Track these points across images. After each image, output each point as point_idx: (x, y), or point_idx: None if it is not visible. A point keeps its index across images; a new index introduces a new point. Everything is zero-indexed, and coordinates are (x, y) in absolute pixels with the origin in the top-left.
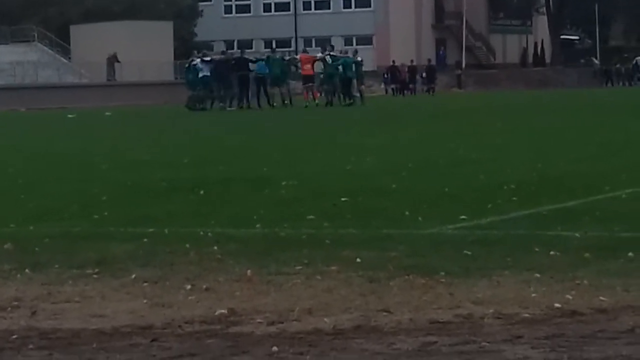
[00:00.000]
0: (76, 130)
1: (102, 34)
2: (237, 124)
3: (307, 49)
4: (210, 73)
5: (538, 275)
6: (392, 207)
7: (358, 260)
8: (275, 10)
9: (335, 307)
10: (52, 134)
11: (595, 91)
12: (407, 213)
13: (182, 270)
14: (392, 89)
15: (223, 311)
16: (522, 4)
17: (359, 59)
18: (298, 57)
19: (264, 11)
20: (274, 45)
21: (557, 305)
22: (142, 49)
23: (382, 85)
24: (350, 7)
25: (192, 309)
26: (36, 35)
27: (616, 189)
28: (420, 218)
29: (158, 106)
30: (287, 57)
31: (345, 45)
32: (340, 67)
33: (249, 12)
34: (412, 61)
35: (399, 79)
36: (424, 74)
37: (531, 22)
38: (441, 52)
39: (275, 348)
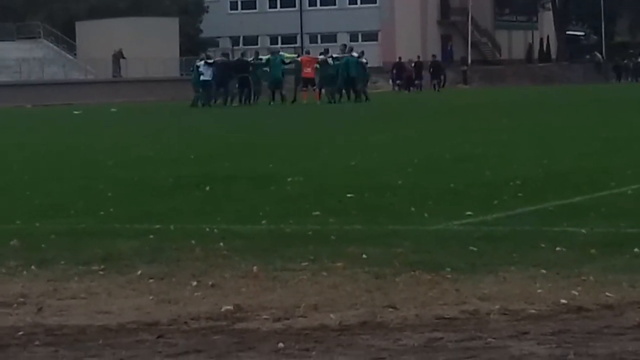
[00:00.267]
0: (82, 127)
1: (108, 30)
2: (242, 121)
3: (311, 45)
4: (212, 76)
5: (544, 271)
6: (397, 203)
7: (364, 256)
8: (281, 7)
9: (341, 303)
10: (58, 130)
11: (601, 87)
12: (412, 209)
13: (188, 267)
14: (398, 84)
15: (229, 307)
16: (528, 0)
17: (364, 60)
18: (299, 59)
19: (270, 7)
20: (279, 42)
21: (563, 301)
22: (148, 45)
23: (390, 82)
24: (356, 3)
25: (198, 305)
26: (42, 31)
27: (622, 185)
28: (426, 214)
29: (163, 102)
30: (288, 61)
31: (350, 41)
32: (341, 67)
33: (255, 8)
34: (418, 57)
35: (404, 75)
36: (431, 70)
37: (537, 18)
38: (449, 48)
39: (281, 344)
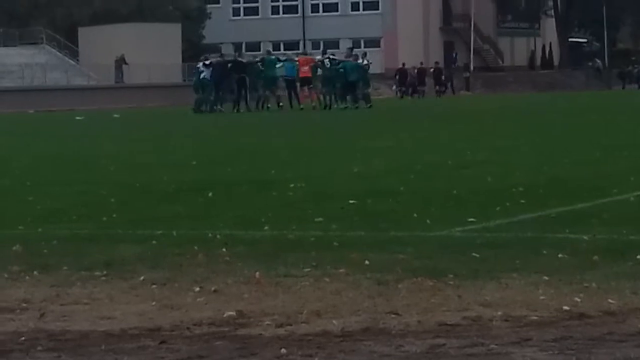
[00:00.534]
0: (84, 132)
1: (110, 36)
2: (244, 126)
3: (313, 51)
4: (210, 77)
5: (546, 277)
6: (400, 209)
7: (366, 262)
8: (284, 13)
9: (343, 309)
10: (60, 135)
11: (603, 93)
12: (415, 215)
13: (190, 272)
14: (401, 91)
15: (231, 313)
16: (530, 6)
17: (365, 62)
18: (296, 59)
19: (272, 13)
20: (281, 48)
21: (565, 307)
22: (150, 51)
23: (394, 87)
24: (358, 10)
25: (200, 311)
26: (44, 37)
27: (624, 191)
28: (428, 220)
29: (166, 108)
30: (282, 59)
31: (349, 47)
32: (340, 71)
33: (257, 14)
34: (421, 63)
35: (408, 81)
36: (434, 76)
37: (539, 25)
38: (454, 55)
39: (283, 350)
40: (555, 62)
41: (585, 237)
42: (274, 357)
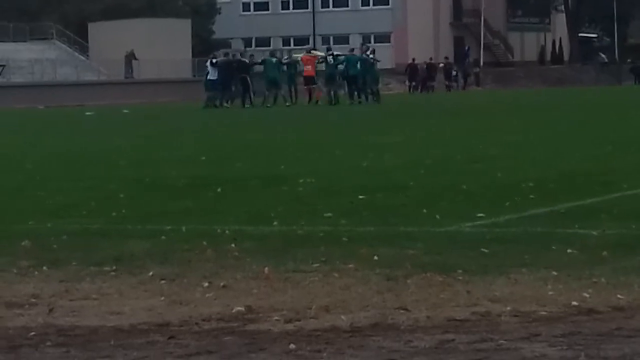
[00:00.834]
0: (94, 128)
1: (120, 31)
2: (253, 122)
3: (325, 46)
4: (217, 76)
5: (555, 273)
6: (409, 204)
7: (375, 257)
8: (294, 8)
9: (352, 304)
10: (70, 131)
11: (614, 89)
12: (424, 211)
13: (199, 268)
14: (412, 86)
15: (240, 308)
16: (541, 1)
17: (370, 56)
18: (299, 57)
19: (282, 9)
20: (291, 43)
21: (574, 303)
22: (160, 46)
23: (407, 83)
24: (368, 5)
25: (209, 306)
26: (54, 32)
27: (634, 186)
28: (437, 216)
29: (176, 103)
30: (285, 59)
31: (362, 42)
32: (342, 66)
33: (267, 9)
34: (430, 59)
35: (418, 76)
36: (453, 72)
37: (549, 20)
38: (467, 49)
39: (292, 345)
40: (566, 57)
41: (594, 233)
42: (283, 353)
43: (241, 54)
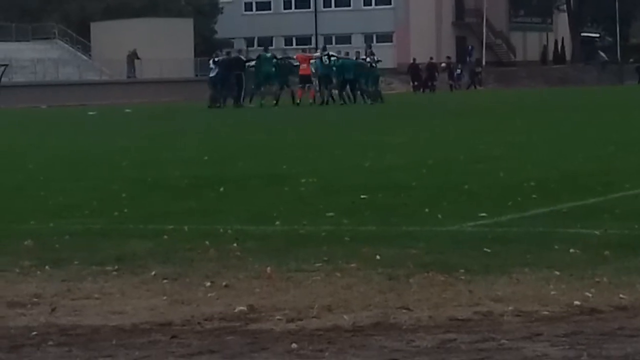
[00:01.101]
0: (96, 128)
1: (123, 31)
2: (256, 122)
3: (327, 46)
4: (217, 74)
5: (558, 272)
6: (411, 204)
7: (377, 257)
8: (296, 8)
9: (354, 304)
10: (73, 131)
11: (616, 88)
12: (426, 210)
13: (201, 267)
14: (415, 86)
15: (242, 308)
16: (543, 1)
17: (367, 59)
18: (294, 56)
19: (284, 8)
20: (294, 43)
21: (576, 302)
22: (163, 46)
23: (411, 83)
24: (371, 5)
25: (211, 305)
26: (57, 32)
27: (637, 186)
28: (439, 215)
29: (178, 103)
30: (279, 56)
31: (365, 42)
32: (335, 69)
33: (269, 9)
34: (431, 58)
35: (419, 76)
36: (457, 71)
37: (551, 20)
38: (470, 48)
39: (294, 345)
40: (568, 57)
41: (596, 232)
42: (285, 352)
43: (239, 52)
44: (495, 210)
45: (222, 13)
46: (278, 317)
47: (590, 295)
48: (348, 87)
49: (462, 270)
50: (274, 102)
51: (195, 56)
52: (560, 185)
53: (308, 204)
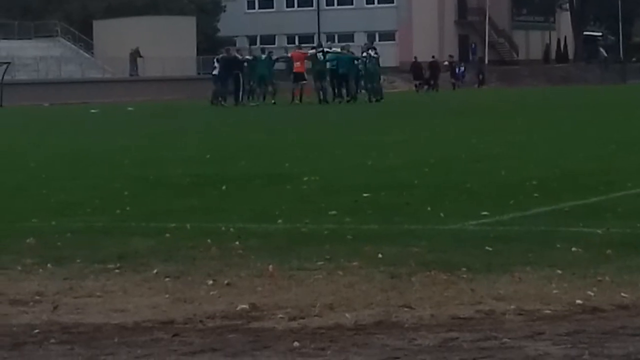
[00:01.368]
0: (98, 126)
1: (125, 29)
2: (258, 121)
3: (327, 44)
4: (219, 72)
5: (559, 271)
6: (413, 202)
7: (380, 255)
8: (298, 6)
9: (356, 302)
10: (75, 129)
11: (618, 88)
12: (428, 209)
13: (203, 266)
14: (417, 84)
15: (244, 306)
16: (545, 0)
17: (364, 54)
18: (289, 54)
19: (287, 7)
20: (296, 41)
21: (578, 301)
22: (165, 44)
23: (418, 81)
24: (373, 3)
25: (213, 304)
26: (59, 30)
27: (638, 185)
28: (441, 214)
29: (181, 101)
30: (274, 56)
31: (367, 40)
32: (330, 64)
33: (272, 7)
34: (433, 57)
35: (421, 75)
36: (461, 68)
37: (554, 19)
38: (473, 46)
39: (296, 343)
40: (570, 56)
41: (598, 231)
42: (287, 350)
43: (237, 51)
44: (497, 209)
45: (224, 11)
46: (280, 315)
47: (592, 294)
48: (344, 82)
49: (464, 269)
50: (272, 101)
51: (197, 54)
52: (562, 184)
53: (310, 203)
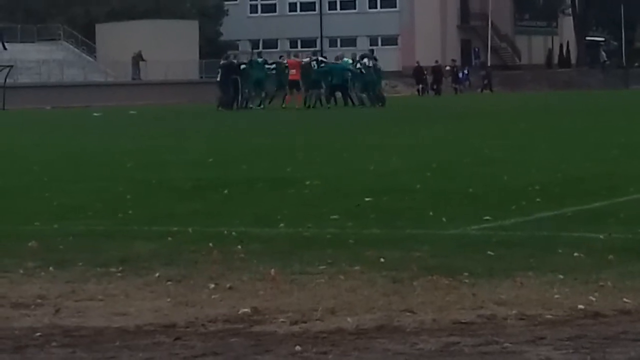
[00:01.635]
0: (101, 129)
1: (128, 32)
2: (260, 125)
3: (332, 48)
4: (220, 77)
5: (561, 276)
6: (416, 207)
7: (381, 260)
8: (301, 10)
9: (358, 306)
10: (78, 132)
11: (621, 93)
12: (431, 213)
13: (205, 269)
14: (420, 89)
15: (246, 310)
16: (548, 5)
17: (365, 62)
18: (285, 61)
19: (290, 11)
20: (299, 45)
21: (580, 306)
22: (168, 48)
23: (420, 87)
24: (376, 7)
25: (215, 307)
26: (62, 33)
27: None
28: (444, 218)
29: (183, 105)
30: (270, 61)
31: (370, 45)
32: (322, 75)
33: (275, 11)
34: (436, 61)
35: (424, 79)
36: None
37: (557, 24)
38: (476, 50)
39: (298, 347)
40: (573, 60)
41: (601, 236)
42: (289, 354)
43: (235, 55)
44: (500, 213)
45: (227, 15)
46: (282, 319)
47: (594, 299)
48: (339, 92)
49: (466, 274)
50: (268, 102)
51: (200, 58)
52: (564, 189)
53: (312, 207)
